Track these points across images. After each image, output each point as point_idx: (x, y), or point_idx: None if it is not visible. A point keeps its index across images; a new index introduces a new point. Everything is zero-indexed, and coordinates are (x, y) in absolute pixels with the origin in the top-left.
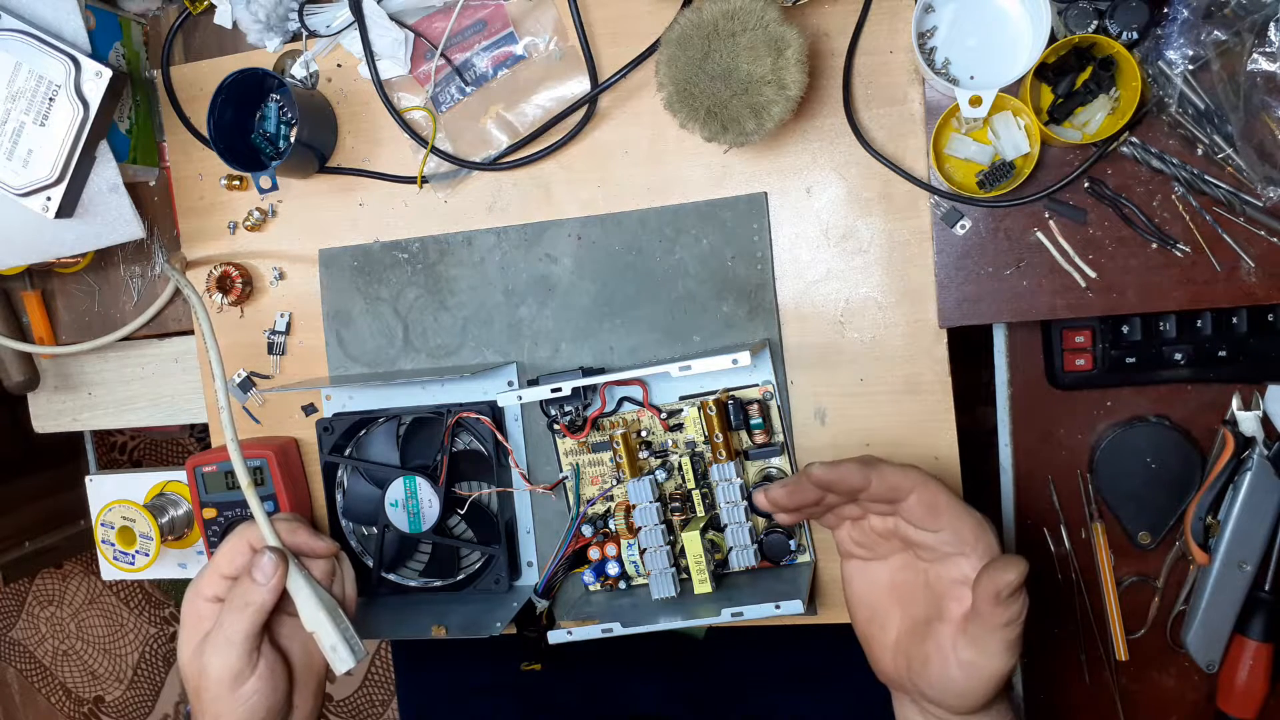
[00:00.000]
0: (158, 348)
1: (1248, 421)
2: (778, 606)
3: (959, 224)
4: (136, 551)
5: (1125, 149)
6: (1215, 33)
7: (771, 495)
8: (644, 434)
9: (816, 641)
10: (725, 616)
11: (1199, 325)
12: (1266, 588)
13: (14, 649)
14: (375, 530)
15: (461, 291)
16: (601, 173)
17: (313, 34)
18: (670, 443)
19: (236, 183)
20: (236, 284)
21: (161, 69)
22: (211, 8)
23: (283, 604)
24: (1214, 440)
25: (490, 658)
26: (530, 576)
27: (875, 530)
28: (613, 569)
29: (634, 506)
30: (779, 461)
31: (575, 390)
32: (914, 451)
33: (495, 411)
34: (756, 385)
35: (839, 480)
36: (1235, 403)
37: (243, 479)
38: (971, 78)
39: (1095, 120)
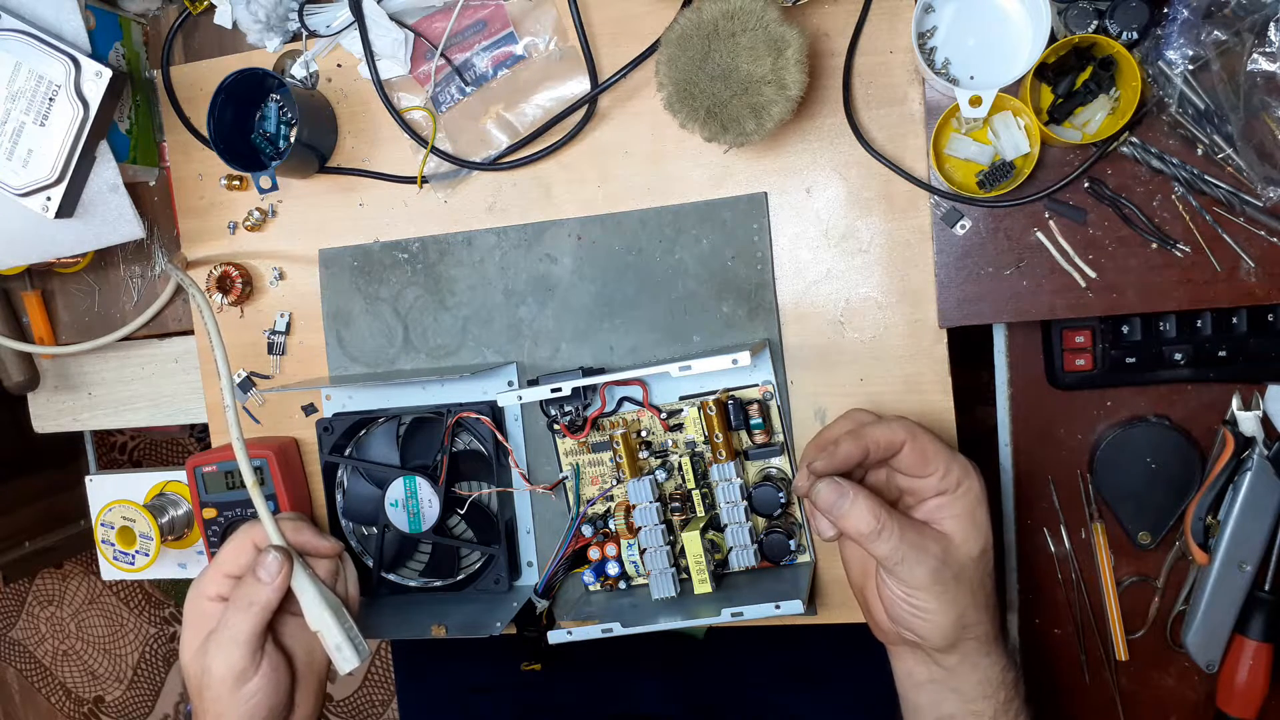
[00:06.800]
0: (158, 348)
1: (1248, 421)
2: (778, 606)
3: (959, 224)
4: (136, 551)
5: (1125, 149)
6: (1215, 33)
7: (799, 489)
8: (644, 434)
9: (816, 641)
10: (725, 616)
11: (1199, 325)
12: (1266, 588)
13: (14, 649)
14: (375, 530)
15: (461, 291)
16: (601, 173)
17: (313, 34)
18: (670, 443)
19: (236, 183)
20: (236, 284)
21: (161, 69)
22: (211, 8)
23: (286, 603)
24: (1214, 440)
25: (490, 658)
26: (530, 576)
27: (873, 488)
28: (613, 569)
29: (634, 506)
30: (779, 461)
31: (575, 390)
32: None
33: (495, 411)
34: (756, 385)
35: (841, 465)
36: (1235, 403)
37: (248, 478)
38: (971, 78)
39: (1095, 120)
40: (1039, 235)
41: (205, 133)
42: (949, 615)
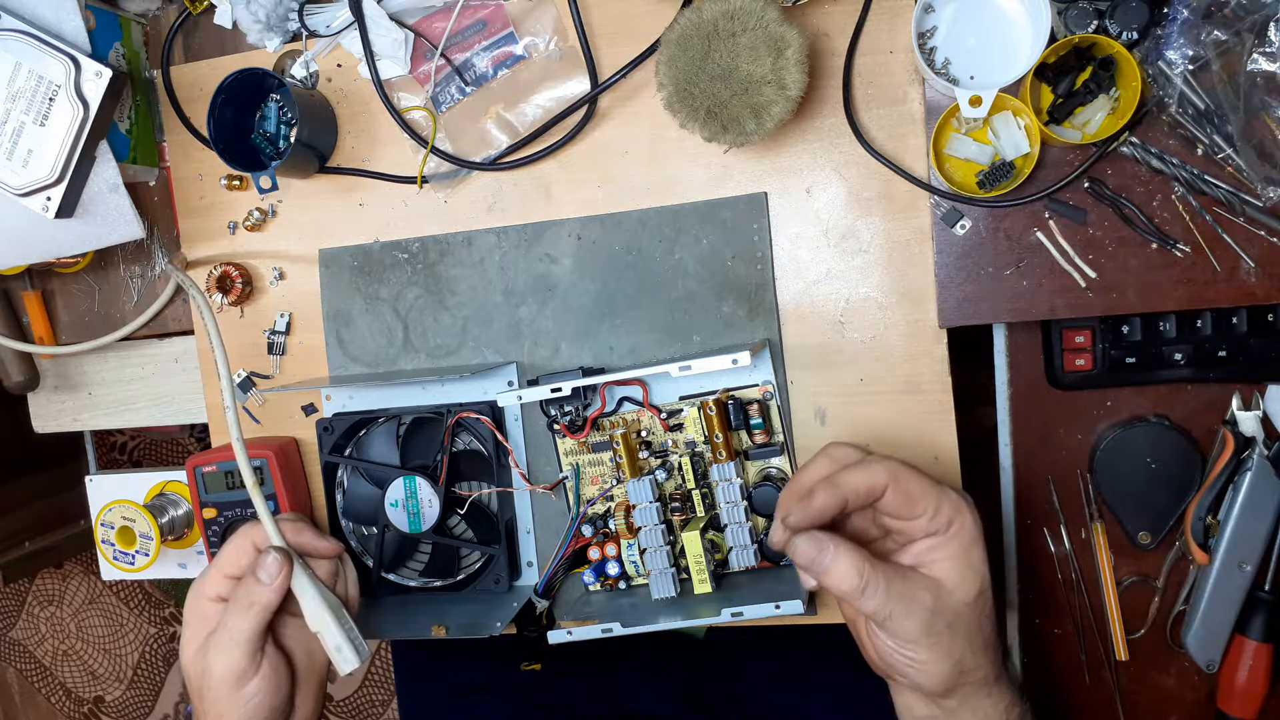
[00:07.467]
0: (158, 348)
1: (1248, 421)
2: (778, 606)
3: (959, 224)
4: (136, 551)
5: (1125, 149)
6: (1215, 33)
7: (776, 543)
8: (644, 434)
9: (816, 641)
10: (725, 616)
11: (1199, 325)
12: (1266, 588)
13: (14, 649)
14: (375, 530)
15: (461, 291)
16: (601, 173)
17: (313, 34)
18: (670, 443)
19: (236, 183)
20: (236, 284)
21: (161, 69)
22: (211, 8)
23: (286, 604)
24: (1214, 440)
25: (490, 658)
26: (530, 576)
27: (856, 528)
28: (613, 569)
29: (634, 506)
30: (779, 461)
31: (575, 390)
32: (914, 452)
33: (495, 411)
34: (756, 385)
35: (817, 518)
36: (1235, 403)
37: (248, 478)
38: (971, 78)
39: (1095, 120)
40: (1039, 235)
41: (205, 133)
42: (944, 665)
